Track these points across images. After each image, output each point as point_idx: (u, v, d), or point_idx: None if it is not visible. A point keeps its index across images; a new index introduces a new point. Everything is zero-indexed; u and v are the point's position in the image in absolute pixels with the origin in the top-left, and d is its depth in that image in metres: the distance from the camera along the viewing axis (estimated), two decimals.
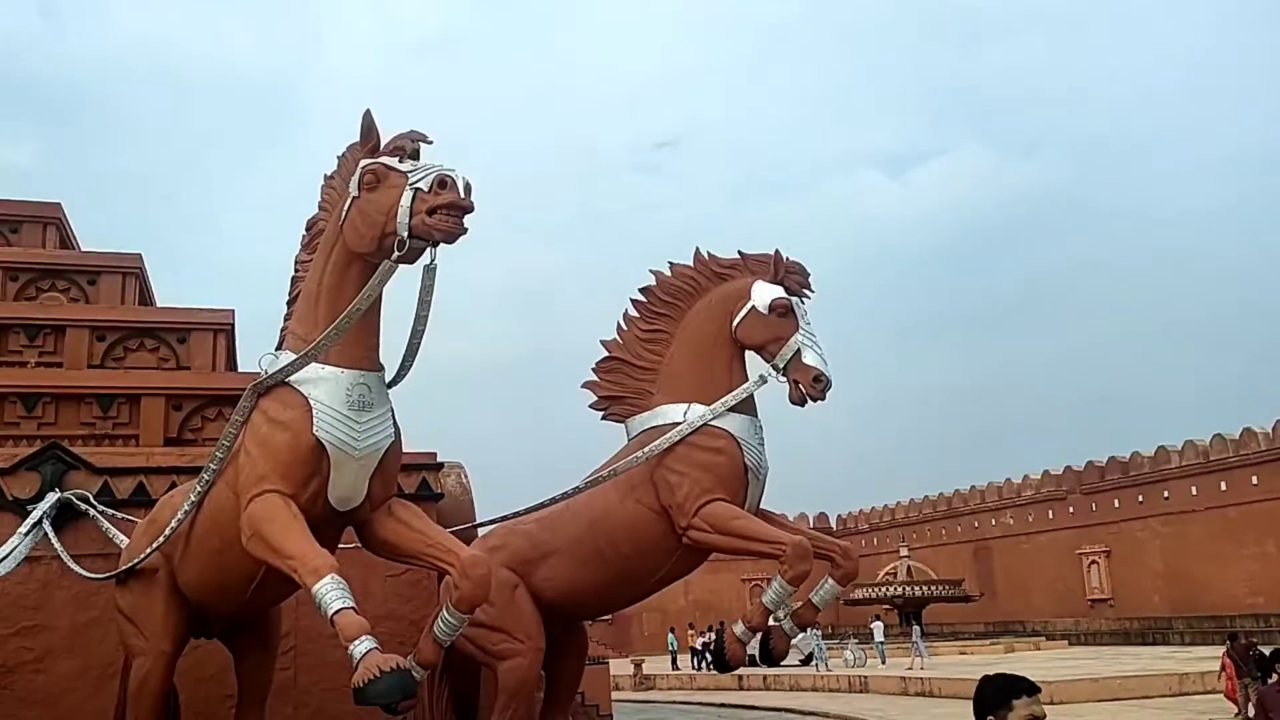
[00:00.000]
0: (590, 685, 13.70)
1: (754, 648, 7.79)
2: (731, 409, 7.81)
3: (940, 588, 44.50)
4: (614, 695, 16.67)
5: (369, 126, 5.88)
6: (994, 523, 53.04)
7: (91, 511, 8.40)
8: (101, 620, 8.26)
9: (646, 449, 7.70)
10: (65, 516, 8.37)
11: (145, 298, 12.56)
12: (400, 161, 5.64)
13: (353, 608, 5.23)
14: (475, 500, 10.80)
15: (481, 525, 9.00)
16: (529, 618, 7.94)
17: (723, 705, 20.48)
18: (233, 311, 11.68)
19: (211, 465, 6.25)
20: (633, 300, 8.43)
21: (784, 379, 7.85)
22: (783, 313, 7.90)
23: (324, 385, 5.82)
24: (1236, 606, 41.65)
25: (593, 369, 8.45)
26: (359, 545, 6.29)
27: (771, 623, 7.68)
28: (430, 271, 5.70)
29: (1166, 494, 44.85)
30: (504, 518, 8.38)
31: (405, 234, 5.43)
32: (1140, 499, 45.69)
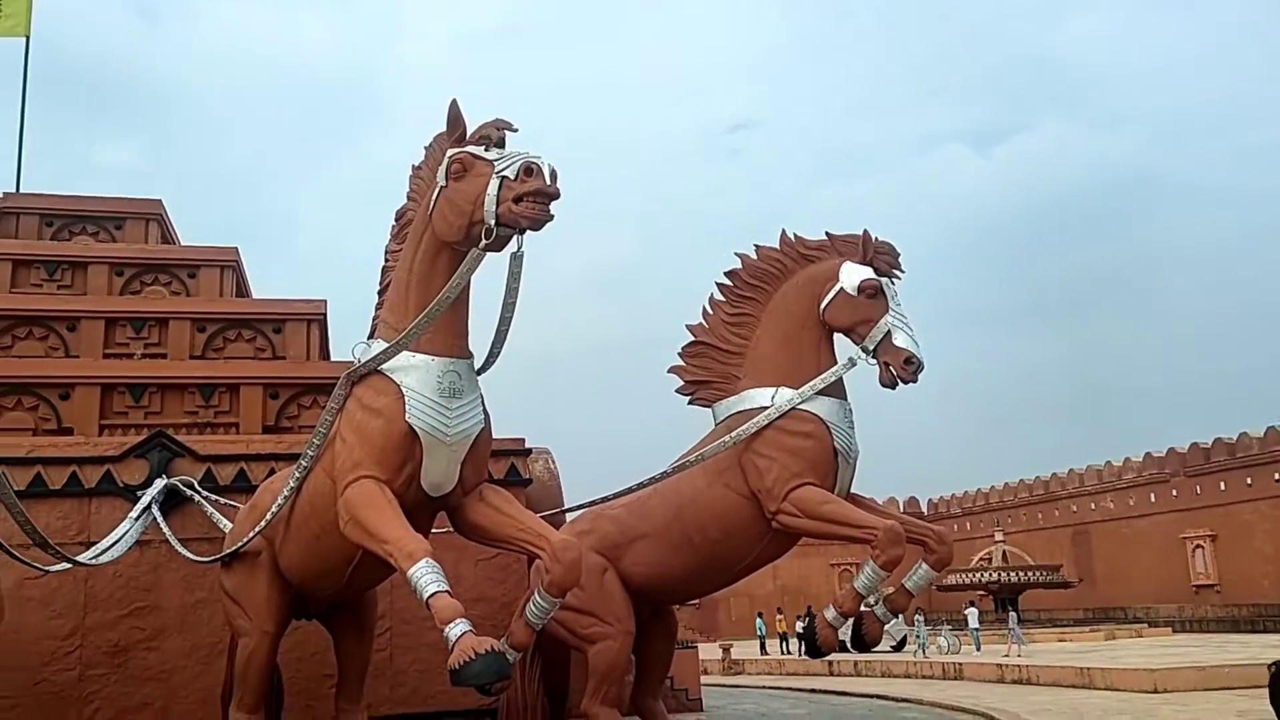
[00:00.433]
0: (679, 669, 13.74)
1: (845, 633, 7.72)
2: (820, 392, 7.72)
3: (1038, 573, 43.44)
4: (703, 680, 16.67)
5: (455, 116, 5.93)
6: (1093, 506, 51.66)
7: (196, 497, 8.70)
8: (208, 601, 8.56)
9: (734, 433, 7.66)
10: (171, 502, 8.70)
11: (241, 290, 12.94)
12: (486, 150, 5.68)
13: (448, 591, 5.30)
14: (562, 485, 10.91)
15: (570, 510, 9.07)
16: (618, 601, 7.98)
17: (813, 691, 20.31)
18: (325, 302, 11.97)
19: (309, 452, 6.40)
20: (718, 284, 8.38)
21: (874, 361, 7.74)
22: (872, 294, 7.77)
23: (415, 373, 5.91)
24: None
25: (679, 354, 8.43)
26: (450, 530, 6.39)
27: (863, 608, 7.60)
28: (517, 259, 5.74)
29: (1277, 476, 43.15)
30: (592, 502, 8.43)
31: (492, 222, 5.47)
32: (1249, 481, 44.03)
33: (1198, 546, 46.21)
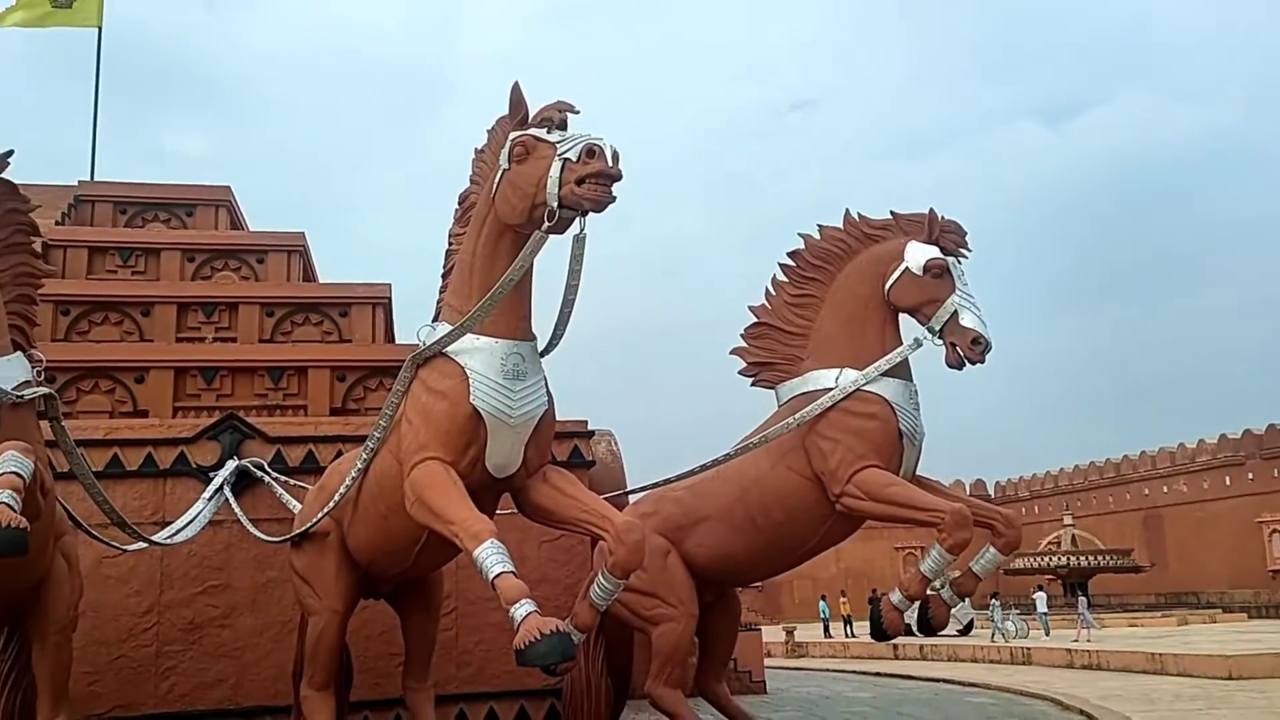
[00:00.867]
0: (743, 651, 13.75)
1: (911, 617, 7.64)
2: (885, 373, 7.62)
3: (1108, 557, 42.56)
4: (766, 662, 16.64)
5: (517, 99, 5.93)
6: (1165, 490, 50.56)
7: (266, 478, 8.87)
8: (279, 580, 8.73)
9: (798, 415, 7.59)
10: (242, 483, 8.88)
11: (308, 274, 13.14)
12: (549, 132, 5.68)
13: (513, 572, 5.33)
14: (625, 467, 10.93)
15: (633, 492, 9.08)
16: (682, 583, 7.98)
17: (878, 674, 20.17)
18: (390, 285, 12.09)
19: (375, 434, 6.48)
20: (781, 265, 8.30)
21: (940, 342, 7.62)
22: (938, 273, 7.65)
23: (479, 355, 5.94)
24: None
25: (741, 335, 8.38)
26: (514, 511, 6.43)
27: (929, 592, 7.51)
28: (580, 241, 5.74)
29: None
30: (655, 484, 8.42)
31: (555, 204, 5.47)
32: None
33: (1275, 531, 44.99)
